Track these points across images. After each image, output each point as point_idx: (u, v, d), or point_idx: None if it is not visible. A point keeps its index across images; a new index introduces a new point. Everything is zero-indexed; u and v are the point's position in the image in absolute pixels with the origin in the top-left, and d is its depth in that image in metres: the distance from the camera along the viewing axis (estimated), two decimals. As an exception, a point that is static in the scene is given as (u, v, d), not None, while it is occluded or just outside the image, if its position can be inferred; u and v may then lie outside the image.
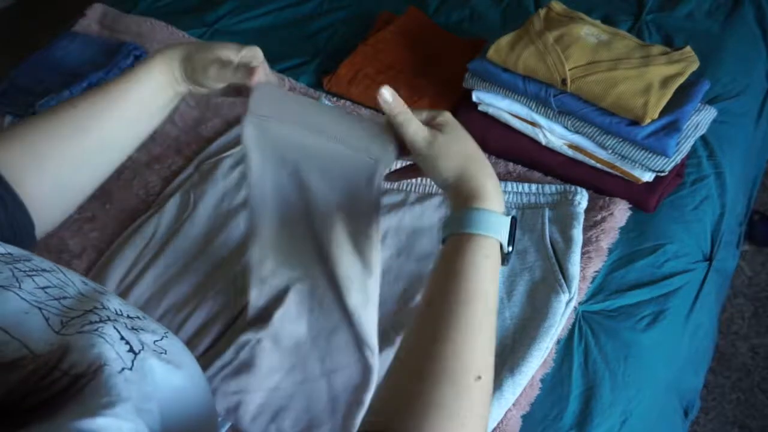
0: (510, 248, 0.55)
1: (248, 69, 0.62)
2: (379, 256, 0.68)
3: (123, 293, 0.84)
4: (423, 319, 0.53)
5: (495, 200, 0.56)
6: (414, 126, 0.58)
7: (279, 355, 0.75)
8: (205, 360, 0.76)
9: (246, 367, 0.74)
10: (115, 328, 0.43)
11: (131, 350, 0.42)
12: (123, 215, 0.95)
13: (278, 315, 0.75)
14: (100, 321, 0.43)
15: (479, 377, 0.47)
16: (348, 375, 0.74)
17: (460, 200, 0.56)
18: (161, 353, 0.46)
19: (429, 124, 0.61)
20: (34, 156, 0.60)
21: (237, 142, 0.99)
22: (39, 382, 0.35)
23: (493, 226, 0.54)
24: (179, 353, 0.49)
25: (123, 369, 0.40)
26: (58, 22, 1.32)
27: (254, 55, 0.66)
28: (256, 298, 0.76)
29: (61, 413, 0.34)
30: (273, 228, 0.71)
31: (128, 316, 0.48)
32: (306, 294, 0.75)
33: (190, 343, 0.79)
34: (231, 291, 0.82)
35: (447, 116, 0.61)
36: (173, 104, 0.69)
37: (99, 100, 0.64)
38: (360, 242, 0.67)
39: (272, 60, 1.15)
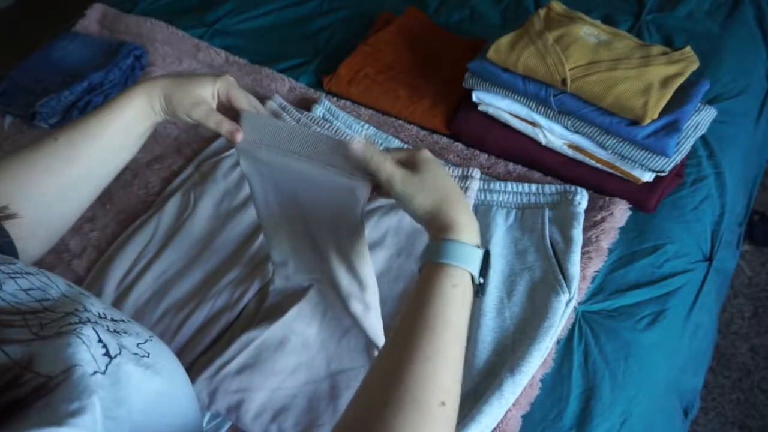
0: (482, 279, 0.56)
1: (231, 133, 0.65)
2: (371, 267, 0.71)
3: (123, 293, 0.84)
4: (391, 344, 0.54)
5: (468, 233, 0.57)
6: (387, 168, 0.59)
7: (284, 355, 0.75)
8: (205, 359, 0.76)
9: (249, 366, 0.74)
10: (94, 329, 0.43)
11: (107, 354, 0.42)
12: (123, 215, 0.95)
13: (293, 312, 0.77)
14: (80, 322, 0.43)
15: (443, 403, 0.48)
16: (354, 376, 0.74)
17: (435, 232, 0.58)
18: (143, 356, 0.46)
19: (407, 161, 0.61)
20: (19, 187, 0.62)
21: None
22: (11, 382, 0.35)
23: (463, 257, 0.55)
24: (162, 358, 0.49)
25: (95, 372, 0.40)
26: (58, 22, 1.33)
27: (227, 86, 0.68)
28: (279, 290, 0.79)
29: (30, 416, 0.34)
30: (286, 240, 0.75)
31: (111, 319, 0.48)
32: (323, 296, 0.77)
33: (190, 343, 0.79)
34: (235, 283, 0.83)
35: (423, 154, 0.62)
36: (148, 134, 0.71)
37: (81, 129, 0.66)
38: (353, 260, 0.70)
39: (272, 60, 1.18)
